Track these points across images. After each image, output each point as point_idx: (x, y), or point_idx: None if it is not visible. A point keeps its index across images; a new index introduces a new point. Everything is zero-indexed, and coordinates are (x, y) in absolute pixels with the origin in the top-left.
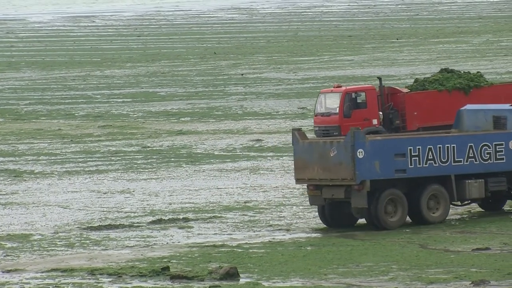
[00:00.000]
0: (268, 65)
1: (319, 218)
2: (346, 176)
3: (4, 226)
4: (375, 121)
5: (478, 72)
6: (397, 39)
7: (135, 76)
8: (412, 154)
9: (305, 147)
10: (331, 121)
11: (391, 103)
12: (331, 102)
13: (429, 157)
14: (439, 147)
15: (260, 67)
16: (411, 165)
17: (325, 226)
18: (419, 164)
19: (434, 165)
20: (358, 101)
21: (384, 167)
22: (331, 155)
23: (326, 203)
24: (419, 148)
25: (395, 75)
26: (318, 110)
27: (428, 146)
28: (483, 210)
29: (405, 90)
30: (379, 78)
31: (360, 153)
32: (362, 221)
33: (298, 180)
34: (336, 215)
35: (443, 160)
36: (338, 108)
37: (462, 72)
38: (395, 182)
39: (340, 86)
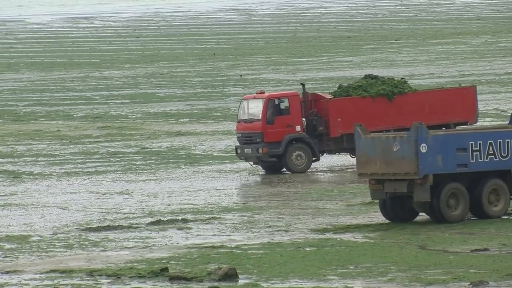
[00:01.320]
0: (267, 66)
1: (381, 211)
2: (409, 170)
3: (3, 227)
4: (298, 128)
5: (402, 78)
6: (396, 40)
7: (134, 77)
8: (474, 148)
9: (367, 142)
10: (254, 127)
11: (314, 109)
12: (254, 109)
13: (490, 152)
14: (499, 142)
15: (259, 68)
16: (472, 159)
17: (324, 227)
18: (480, 158)
19: (495, 159)
20: (282, 107)
21: (446, 162)
22: (394, 149)
23: (388, 197)
24: (480, 143)
25: (394, 76)
26: (241, 117)
27: (489, 141)
28: None
29: (329, 97)
30: (303, 84)
31: (423, 148)
32: (361, 221)
33: (361, 175)
34: (397, 209)
35: (503, 155)
36: (261, 115)
37: (386, 78)
38: (456, 176)
39: (263, 92)
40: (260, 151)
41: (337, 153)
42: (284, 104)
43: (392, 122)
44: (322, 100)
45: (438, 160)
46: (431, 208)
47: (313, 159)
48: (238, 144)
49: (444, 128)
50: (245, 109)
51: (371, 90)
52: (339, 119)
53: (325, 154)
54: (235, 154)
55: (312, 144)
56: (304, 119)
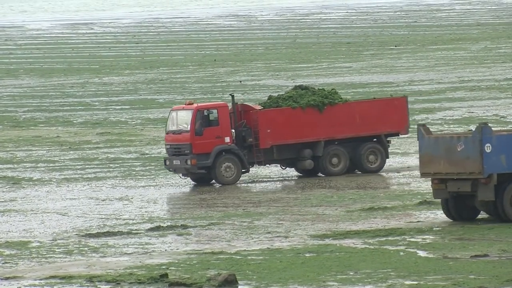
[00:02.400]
0: (267, 72)
1: (443, 211)
2: (473, 170)
3: (3, 233)
4: (227, 139)
5: (333, 89)
6: (396, 46)
7: (134, 83)
8: None
9: (431, 142)
10: (182, 139)
11: (244, 120)
12: (183, 120)
13: None
14: None
15: (259, 74)
16: None
17: (323, 233)
18: None
19: None
20: (211, 118)
21: (510, 161)
22: (458, 149)
23: (450, 196)
24: None
25: (394, 82)
26: (170, 128)
27: None
28: None
29: (258, 107)
30: (232, 95)
31: (488, 148)
32: (360, 227)
33: (423, 174)
34: (460, 208)
35: None
36: (189, 126)
37: (316, 89)
38: None
39: (192, 103)
40: (189, 162)
41: (268, 165)
42: (213, 115)
43: (323, 133)
44: (251, 111)
45: (502, 160)
46: (494, 207)
47: (243, 170)
48: (167, 155)
49: (375, 140)
50: (173, 120)
51: (301, 101)
52: (268, 130)
53: (255, 165)
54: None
55: (241, 155)
56: (233, 130)
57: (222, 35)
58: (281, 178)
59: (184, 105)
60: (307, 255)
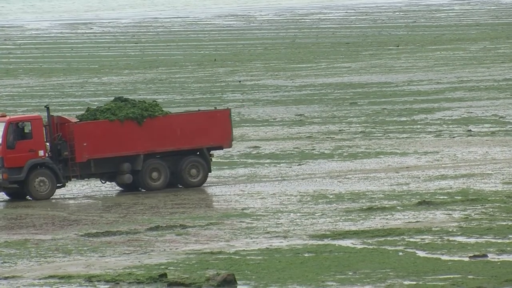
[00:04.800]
0: (266, 72)
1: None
2: None
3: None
4: (41, 152)
5: (154, 101)
6: (398, 46)
7: (133, 83)
8: None
9: None
10: None
11: (59, 133)
12: None
13: None
14: None
15: (258, 74)
16: None
17: (322, 233)
18: None
19: None
20: (25, 131)
21: None
22: None
23: None
24: None
25: (393, 82)
26: None
27: None
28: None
29: (75, 120)
30: (47, 107)
31: None
32: (359, 227)
33: None
34: None
35: None
36: (1, 139)
37: (137, 101)
38: None
39: (5, 115)
40: (0, 177)
41: (85, 179)
42: (28, 128)
43: (142, 147)
44: (67, 124)
45: None
46: None
47: (58, 185)
48: None
49: (198, 153)
50: None
51: (120, 113)
52: (85, 144)
53: (71, 179)
54: (227, 160)
55: (56, 169)
56: (48, 144)
57: (221, 35)
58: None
59: None
60: (306, 255)
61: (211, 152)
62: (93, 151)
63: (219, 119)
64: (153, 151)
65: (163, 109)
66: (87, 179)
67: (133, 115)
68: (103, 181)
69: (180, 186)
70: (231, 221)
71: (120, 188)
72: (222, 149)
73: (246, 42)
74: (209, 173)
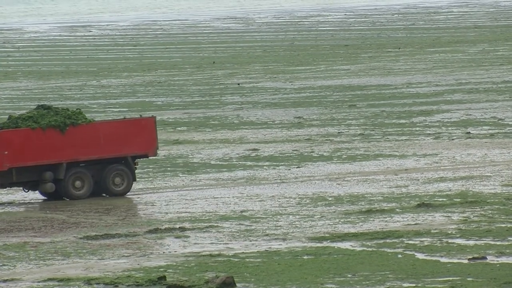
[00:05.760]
0: (265, 74)
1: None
2: None
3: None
4: None
5: (78, 109)
6: (399, 49)
7: (132, 86)
8: None
9: None
10: None
11: None
12: None
13: None
14: None
15: (257, 77)
16: None
17: (321, 235)
18: None
19: None
20: None
21: None
22: None
23: None
24: None
25: (391, 84)
26: None
27: None
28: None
29: None
30: None
31: None
32: (358, 229)
33: None
34: None
35: None
36: None
37: (60, 109)
38: None
39: None
40: None
41: (7, 188)
42: None
43: (65, 155)
44: None
45: None
46: None
47: None
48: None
49: (123, 161)
50: None
51: (42, 121)
52: (6, 152)
53: None
54: (226, 163)
55: None
56: None
57: (220, 38)
58: None
59: None
60: (305, 257)
61: (136, 160)
62: (14, 159)
63: (144, 127)
64: (76, 159)
65: (92, 116)
66: (8, 188)
67: (56, 123)
68: (26, 190)
69: (104, 195)
70: (230, 223)
71: (44, 197)
72: (148, 157)
73: (245, 44)
74: (134, 182)
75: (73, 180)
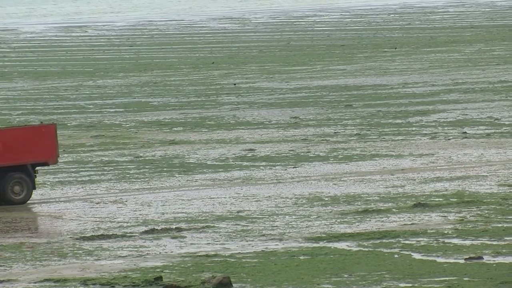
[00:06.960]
0: (261, 74)
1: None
2: None
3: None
4: None
5: None
6: (395, 49)
7: (128, 86)
8: None
9: None
10: None
11: None
12: None
13: None
14: None
15: (253, 77)
16: None
17: (318, 235)
18: None
19: None
20: None
21: None
22: None
23: None
24: None
25: (388, 84)
26: None
27: None
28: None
29: None
30: None
31: None
32: (355, 229)
33: None
34: None
35: None
36: None
37: None
38: None
39: None
40: None
41: None
42: None
43: None
44: None
45: None
46: None
47: None
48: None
49: (22, 170)
50: None
51: None
52: None
53: None
54: (222, 163)
55: None
56: None
57: (216, 38)
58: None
59: None
60: (301, 257)
61: (36, 168)
62: None
63: (44, 135)
64: None
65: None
66: None
67: None
68: None
69: (4, 204)
70: (227, 223)
71: None
72: (48, 165)
73: (241, 44)
74: (34, 190)
75: None
